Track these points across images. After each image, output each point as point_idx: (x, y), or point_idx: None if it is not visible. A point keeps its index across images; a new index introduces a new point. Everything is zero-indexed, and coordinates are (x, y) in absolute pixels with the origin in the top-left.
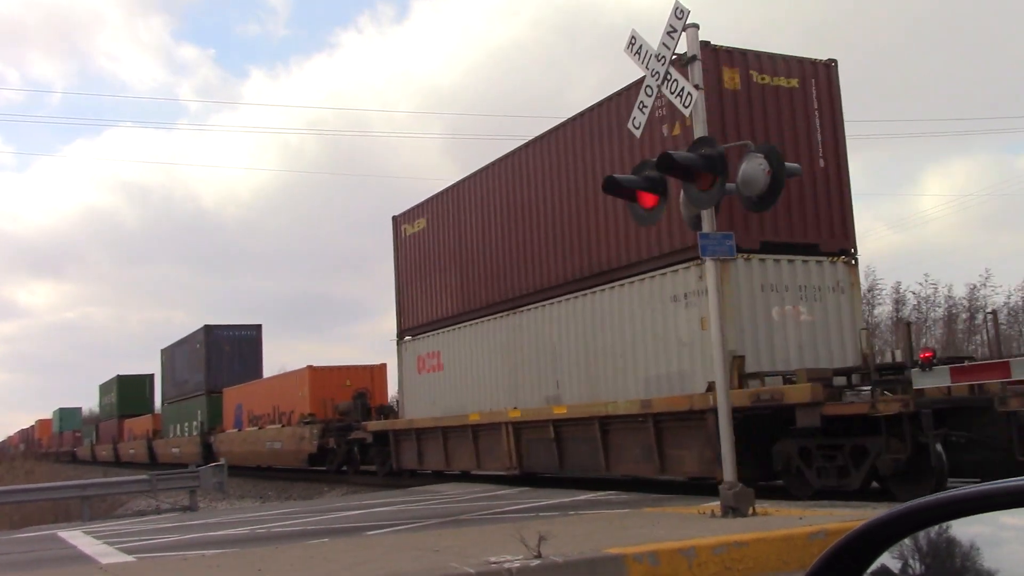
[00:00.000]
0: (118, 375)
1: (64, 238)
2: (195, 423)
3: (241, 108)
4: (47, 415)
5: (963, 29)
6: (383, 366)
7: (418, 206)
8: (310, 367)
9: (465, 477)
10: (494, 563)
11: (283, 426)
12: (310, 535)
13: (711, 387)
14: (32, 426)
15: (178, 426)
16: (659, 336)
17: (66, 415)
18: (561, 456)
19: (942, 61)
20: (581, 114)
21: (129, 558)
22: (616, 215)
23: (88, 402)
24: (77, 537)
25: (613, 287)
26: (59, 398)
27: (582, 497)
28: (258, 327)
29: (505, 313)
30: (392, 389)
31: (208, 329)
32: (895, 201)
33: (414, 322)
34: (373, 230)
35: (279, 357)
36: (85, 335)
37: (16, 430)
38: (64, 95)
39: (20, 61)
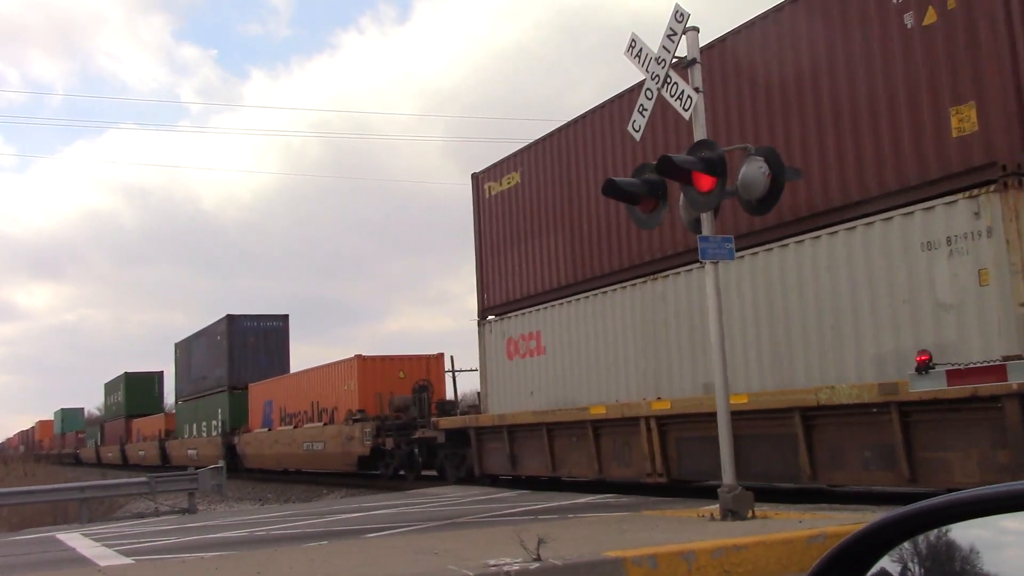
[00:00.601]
0: (125, 372)
1: (63, 240)
2: (215, 422)
3: (243, 109)
4: (47, 417)
5: None
6: (440, 356)
7: (508, 158)
8: (359, 357)
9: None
10: (493, 566)
11: (325, 424)
12: (309, 538)
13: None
14: (32, 427)
15: (194, 426)
16: (900, 297)
17: (68, 416)
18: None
19: None
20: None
21: (127, 560)
22: (823, 142)
23: (88, 404)
24: (75, 539)
25: (818, 236)
26: (57, 400)
27: (581, 500)
28: (284, 317)
29: (639, 281)
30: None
31: (231, 319)
32: None
33: (502, 298)
34: (373, 232)
35: None
36: (84, 337)
37: (15, 432)
38: (65, 96)
39: (21, 61)
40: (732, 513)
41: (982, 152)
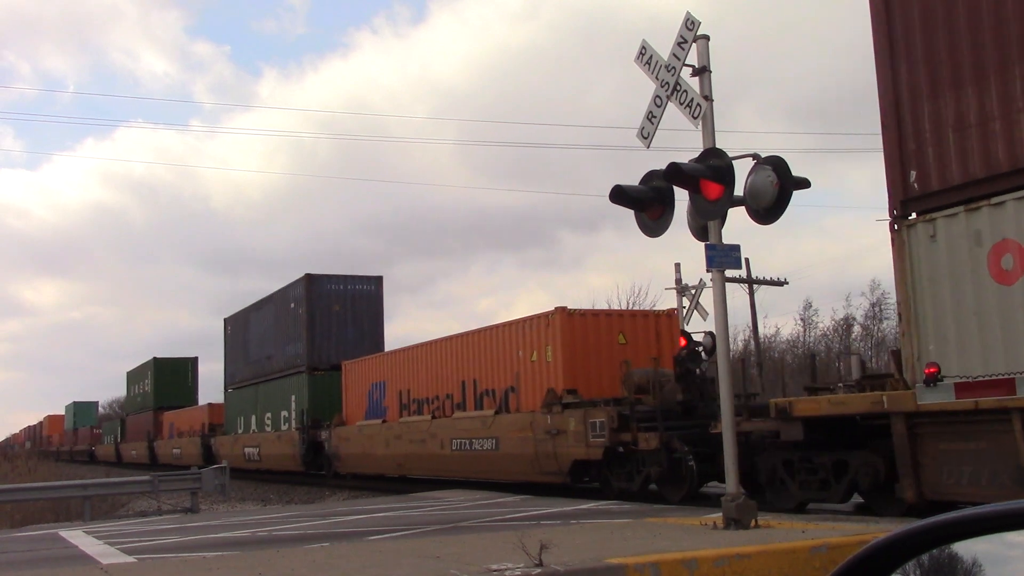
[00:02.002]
0: (154, 358)
1: (72, 236)
2: (286, 413)
3: (255, 106)
4: (57, 412)
5: None
6: (673, 314)
7: None
8: (563, 310)
9: (467, 484)
10: (495, 571)
11: (496, 413)
12: (311, 539)
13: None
14: (40, 423)
15: (253, 418)
16: None
17: (81, 410)
18: None
19: None
20: None
21: (130, 559)
22: None
23: (97, 399)
24: (78, 537)
25: None
26: (63, 398)
27: (584, 506)
28: (377, 280)
29: None
30: None
31: (311, 281)
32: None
33: (964, 173)
34: (381, 233)
35: None
36: (90, 334)
37: (21, 428)
38: (76, 91)
39: (33, 55)
40: (735, 522)
41: None
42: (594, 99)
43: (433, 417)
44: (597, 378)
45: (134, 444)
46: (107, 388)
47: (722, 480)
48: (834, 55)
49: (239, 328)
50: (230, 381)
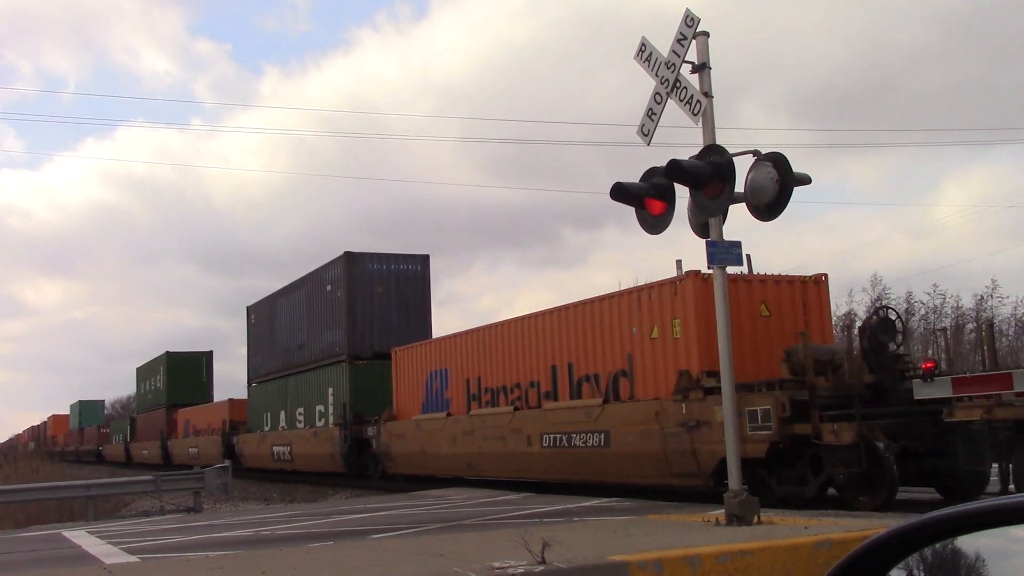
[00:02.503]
0: (167, 352)
1: (74, 236)
2: (322, 408)
3: (256, 104)
4: (61, 411)
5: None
6: (822, 279)
7: None
8: (697, 274)
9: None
10: (498, 568)
11: (605, 402)
12: (314, 538)
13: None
14: (44, 422)
15: (282, 414)
16: None
17: (87, 409)
18: None
19: (973, 67)
20: None
21: (133, 558)
22: None
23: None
24: (81, 537)
25: None
26: (65, 398)
27: (586, 503)
28: (424, 259)
29: None
30: None
31: (351, 260)
32: (915, 210)
33: None
34: (383, 231)
35: None
36: (93, 334)
37: (25, 428)
38: (77, 90)
39: (34, 54)
40: (738, 518)
41: None
42: (597, 96)
43: (516, 409)
44: (738, 357)
45: (145, 443)
46: (111, 388)
47: (926, 484)
48: (838, 52)
49: (264, 317)
50: (254, 375)
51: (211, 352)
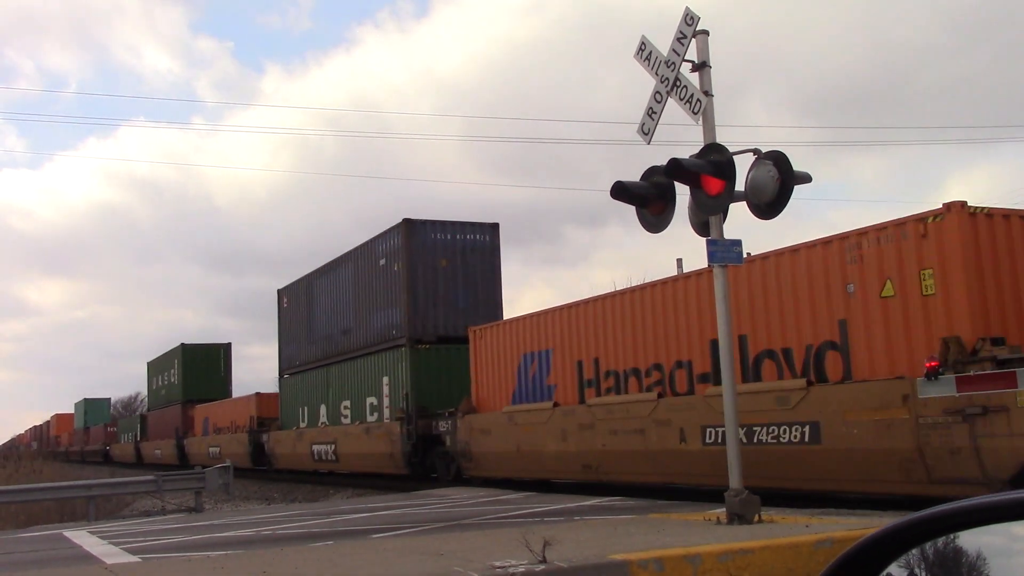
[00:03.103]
0: (182, 344)
1: (76, 236)
2: (374, 400)
3: (259, 103)
4: (64, 411)
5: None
6: None
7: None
8: (959, 207)
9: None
10: (499, 567)
11: (809, 384)
12: (315, 537)
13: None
14: (47, 422)
15: (322, 408)
16: None
17: (93, 407)
18: None
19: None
20: None
21: (134, 558)
22: None
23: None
24: (82, 537)
25: None
26: (68, 398)
27: (588, 503)
28: (494, 227)
29: None
30: None
31: (411, 228)
32: (919, 208)
33: None
34: (385, 227)
35: None
36: (96, 334)
37: (27, 428)
38: (78, 88)
39: (35, 53)
40: (739, 517)
41: None
42: (600, 94)
43: (659, 396)
44: (1017, 318)
45: (158, 443)
46: (113, 388)
47: None
48: (842, 49)
49: (299, 300)
50: (287, 365)
51: (229, 344)
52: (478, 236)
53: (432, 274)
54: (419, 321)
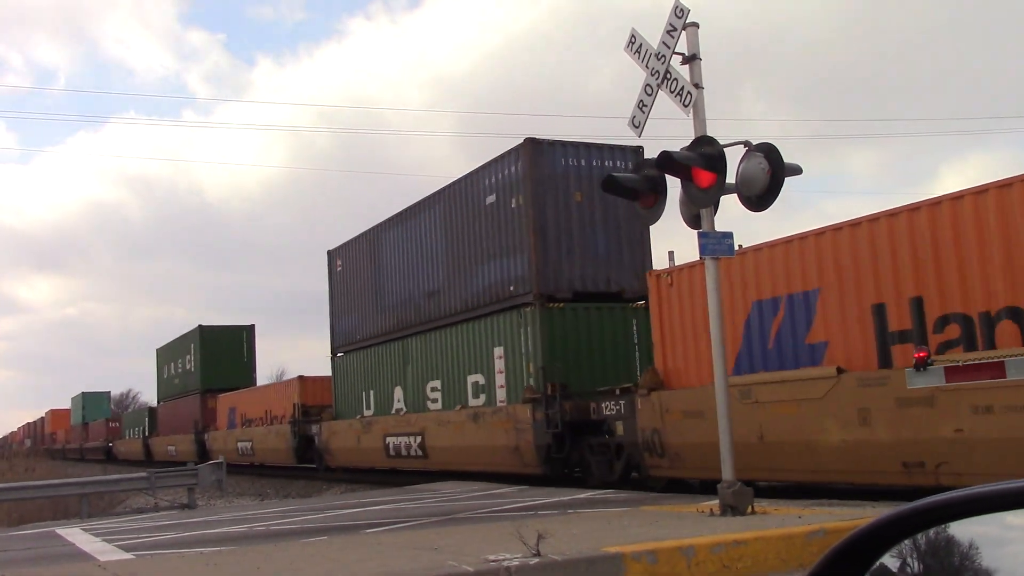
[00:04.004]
0: (200, 326)
1: (66, 232)
2: (480, 379)
3: (250, 95)
4: (59, 406)
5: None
6: None
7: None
8: None
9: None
10: (492, 561)
11: None
12: (308, 533)
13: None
14: (41, 418)
15: (398, 392)
16: None
17: (92, 401)
18: None
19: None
20: None
21: (128, 555)
22: None
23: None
24: (76, 534)
25: None
26: (60, 396)
27: (581, 496)
28: (637, 152)
29: None
30: None
31: (536, 151)
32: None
33: None
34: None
35: (278, 356)
36: (86, 331)
37: (20, 425)
38: (68, 82)
39: (24, 46)
40: (732, 509)
41: None
42: (596, 85)
43: None
44: None
45: (172, 438)
46: (105, 385)
47: None
48: (834, 38)
49: (360, 261)
50: (343, 342)
51: (252, 326)
52: (619, 163)
53: (565, 212)
54: (550, 272)
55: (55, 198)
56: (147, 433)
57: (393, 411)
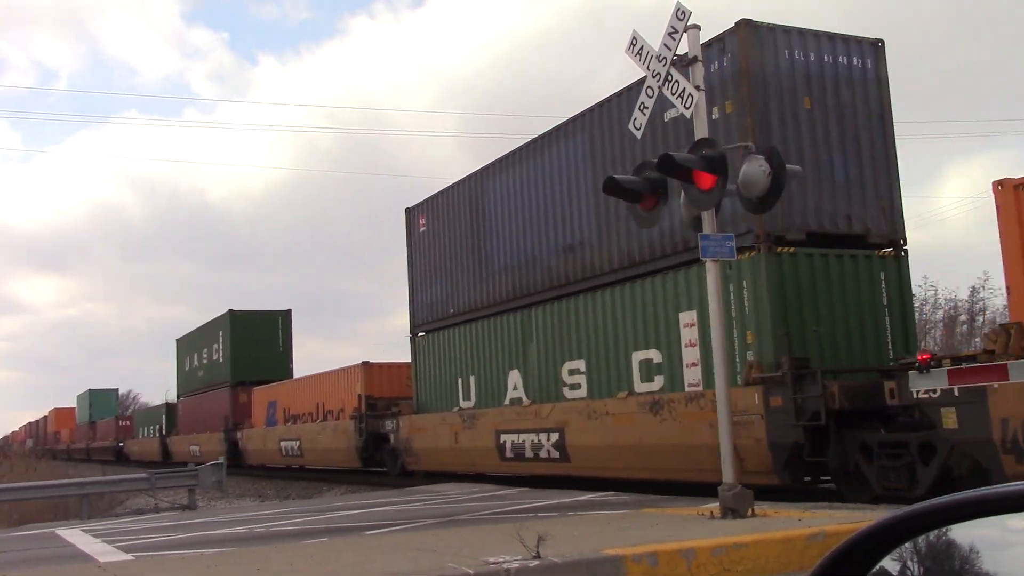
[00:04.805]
0: (231, 311)
1: (68, 233)
2: (658, 356)
3: (254, 95)
4: (62, 405)
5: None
6: None
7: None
8: None
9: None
10: (493, 563)
11: None
12: (309, 534)
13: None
14: (44, 417)
15: (513, 376)
16: None
17: (99, 399)
18: None
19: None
20: None
21: (128, 557)
22: None
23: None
24: (76, 535)
25: None
26: (62, 396)
27: (582, 498)
28: (875, 47)
29: None
30: None
31: (754, 35)
32: (916, 200)
33: None
34: (381, 225)
35: None
36: (87, 332)
37: (21, 425)
38: (70, 81)
39: (27, 44)
40: (732, 511)
41: None
42: (601, 83)
43: None
44: None
45: (196, 437)
46: (106, 386)
47: None
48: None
49: (454, 216)
50: (428, 318)
51: (289, 311)
52: (854, 59)
53: (793, 123)
54: (779, 205)
55: (56, 198)
56: (164, 431)
57: (507, 401)
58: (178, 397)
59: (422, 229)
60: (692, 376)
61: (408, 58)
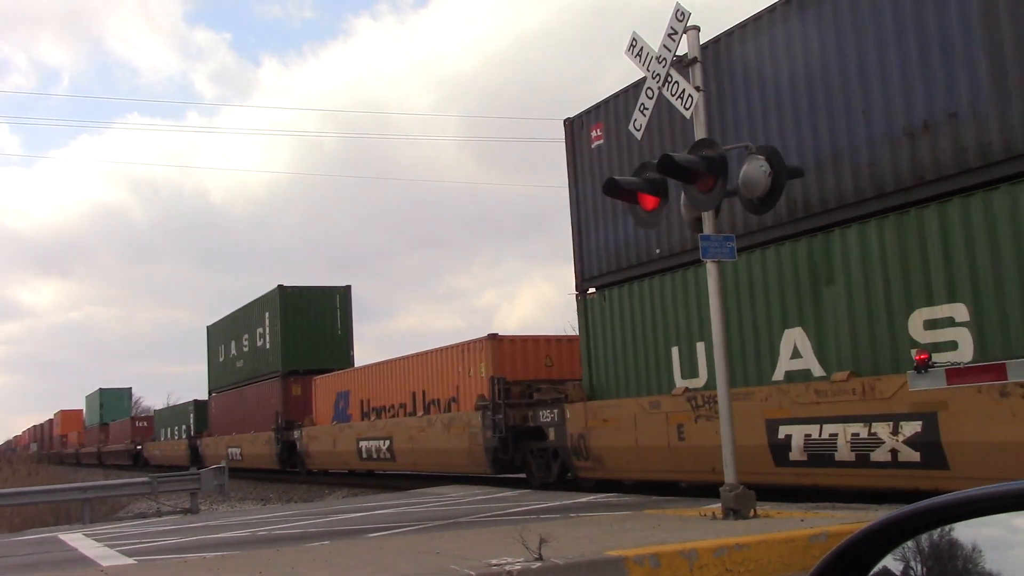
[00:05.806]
0: (280, 286)
1: (70, 236)
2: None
3: (256, 95)
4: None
5: None
6: None
7: None
8: None
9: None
10: (495, 565)
11: None
12: (311, 537)
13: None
14: (50, 420)
15: (782, 339)
16: None
17: (110, 399)
18: None
19: None
20: None
21: (129, 561)
22: None
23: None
24: (78, 539)
25: None
26: (63, 399)
27: (584, 499)
28: None
29: None
30: None
31: None
32: None
33: None
34: (383, 226)
35: None
36: (90, 336)
37: (25, 429)
38: (72, 82)
39: (29, 46)
40: (734, 512)
41: None
42: (606, 83)
43: None
44: None
45: (236, 438)
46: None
47: None
48: None
49: (656, 115)
50: (606, 268)
51: (348, 288)
52: None
53: None
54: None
55: (59, 201)
56: (193, 432)
57: (780, 377)
58: (210, 393)
59: (595, 144)
60: None
61: (411, 59)
